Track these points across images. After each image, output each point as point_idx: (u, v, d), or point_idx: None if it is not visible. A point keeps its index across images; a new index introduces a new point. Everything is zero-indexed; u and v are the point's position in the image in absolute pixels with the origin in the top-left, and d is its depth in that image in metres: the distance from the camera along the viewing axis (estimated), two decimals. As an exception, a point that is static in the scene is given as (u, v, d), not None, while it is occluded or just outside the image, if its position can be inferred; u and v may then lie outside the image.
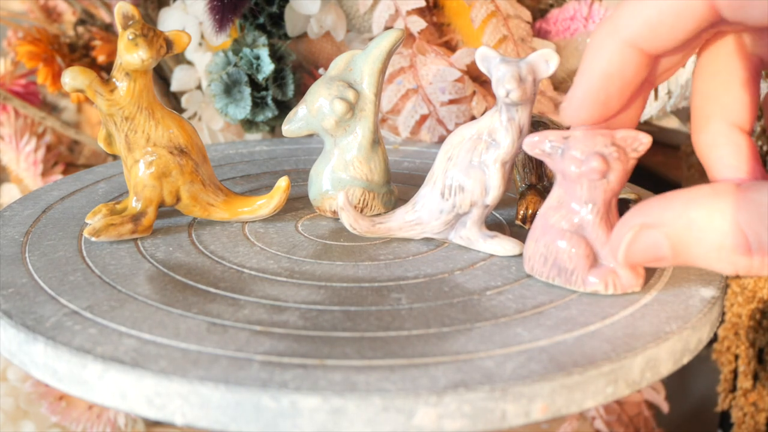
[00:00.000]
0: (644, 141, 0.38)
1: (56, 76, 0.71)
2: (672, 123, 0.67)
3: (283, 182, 0.47)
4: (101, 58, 0.71)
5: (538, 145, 0.39)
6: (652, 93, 0.64)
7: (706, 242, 0.33)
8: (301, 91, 0.65)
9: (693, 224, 0.33)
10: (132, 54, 0.43)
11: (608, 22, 0.36)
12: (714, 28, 0.35)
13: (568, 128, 0.39)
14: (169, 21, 0.66)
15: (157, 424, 0.68)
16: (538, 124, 0.46)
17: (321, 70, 0.65)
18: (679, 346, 0.36)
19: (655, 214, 0.34)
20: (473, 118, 0.61)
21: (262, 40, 0.63)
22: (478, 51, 0.42)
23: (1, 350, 0.37)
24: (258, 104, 0.63)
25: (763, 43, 0.36)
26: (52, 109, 0.87)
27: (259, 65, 0.63)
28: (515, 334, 0.36)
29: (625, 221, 0.36)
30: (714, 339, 0.71)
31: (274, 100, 0.63)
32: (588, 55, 0.37)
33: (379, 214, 0.47)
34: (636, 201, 0.46)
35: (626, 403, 0.68)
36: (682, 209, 0.34)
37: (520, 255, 0.43)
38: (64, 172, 0.77)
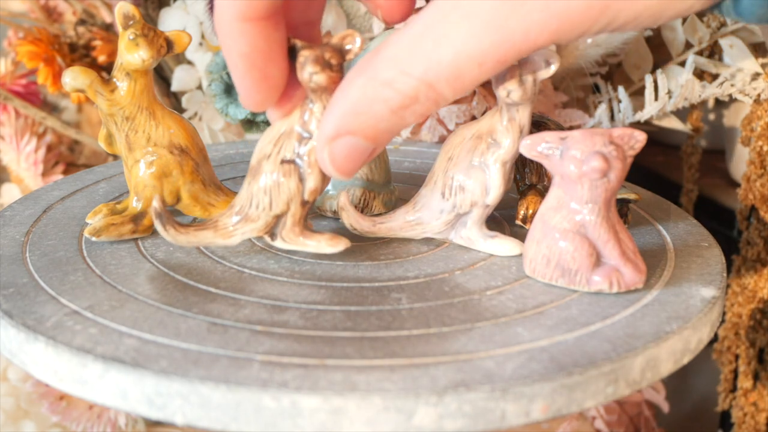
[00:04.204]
0: (640, 138, 0.38)
1: (57, 76, 0.71)
2: (672, 123, 0.67)
3: (283, 182, 0.47)
4: (102, 58, 0.71)
5: (536, 147, 0.39)
6: (653, 93, 0.64)
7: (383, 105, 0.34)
8: (301, 91, 0.64)
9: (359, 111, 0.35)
10: (133, 54, 0.43)
11: (221, 10, 0.37)
12: None
13: (568, 129, 0.39)
14: (169, 21, 0.66)
15: (157, 424, 0.68)
16: (538, 124, 0.46)
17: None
18: (679, 346, 0.36)
19: (336, 120, 0.35)
20: (473, 118, 0.61)
21: (263, 40, 0.63)
22: (479, 51, 0.42)
23: (1, 350, 0.37)
24: (258, 104, 0.63)
25: None
26: (52, 109, 0.87)
27: (259, 65, 0.62)
28: (515, 334, 0.36)
29: (318, 137, 0.37)
30: (714, 339, 0.71)
31: (275, 100, 0.63)
32: (224, 49, 0.38)
33: (379, 214, 0.47)
34: (636, 201, 0.46)
35: (626, 403, 0.68)
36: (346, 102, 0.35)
37: (521, 255, 0.43)
38: (65, 172, 0.77)
